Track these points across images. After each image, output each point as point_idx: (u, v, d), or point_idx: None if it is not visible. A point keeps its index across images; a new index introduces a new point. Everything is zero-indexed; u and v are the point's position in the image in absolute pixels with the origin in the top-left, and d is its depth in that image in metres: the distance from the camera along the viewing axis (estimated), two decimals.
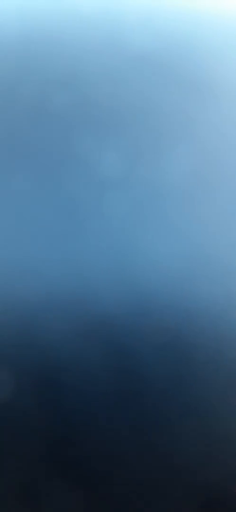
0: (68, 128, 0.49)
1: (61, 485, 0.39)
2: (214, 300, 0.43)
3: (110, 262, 0.43)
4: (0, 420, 0.40)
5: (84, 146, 0.48)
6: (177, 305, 0.42)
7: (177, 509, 0.39)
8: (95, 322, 0.42)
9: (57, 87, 0.52)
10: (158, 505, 0.39)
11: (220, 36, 0.57)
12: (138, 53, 0.54)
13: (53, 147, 0.48)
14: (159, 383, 0.41)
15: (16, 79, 0.52)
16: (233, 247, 0.45)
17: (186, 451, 0.40)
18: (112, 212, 0.45)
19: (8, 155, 0.48)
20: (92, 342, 0.41)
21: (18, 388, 0.40)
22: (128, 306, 0.42)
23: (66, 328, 0.41)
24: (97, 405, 0.40)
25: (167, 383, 0.41)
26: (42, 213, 0.45)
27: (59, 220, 0.45)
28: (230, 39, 0.57)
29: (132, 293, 0.43)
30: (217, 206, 0.46)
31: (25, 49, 0.54)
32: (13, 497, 0.39)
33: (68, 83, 0.52)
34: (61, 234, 0.44)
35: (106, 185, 0.46)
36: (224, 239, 0.45)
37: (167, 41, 0.56)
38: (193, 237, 0.45)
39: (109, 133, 0.49)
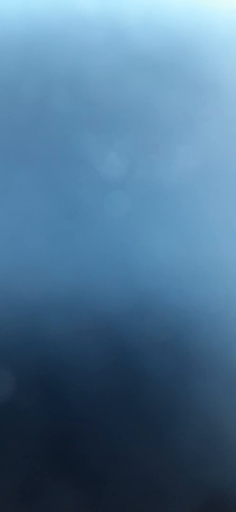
0: (70, 128, 0.49)
1: (62, 485, 0.39)
2: (215, 300, 0.43)
3: (111, 261, 0.43)
4: (0, 418, 0.40)
5: (86, 145, 0.48)
6: (178, 305, 0.42)
7: (178, 508, 0.39)
8: (96, 321, 0.42)
9: (59, 87, 0.52)
10: (158, 504, 0.39)
11: (222, 35, 0.57)
12: (140, 53, 0.54)
13: (55, 146, 0.48)
14: (160, 382, 0.41)
15: (18, 80, 0.52)
16: (234, 246, 0.45)
17: (186, 450, 0.40)
18: (114, 211, 0.45)
19: (9, 154, 0.48)
20: (93, 340, 0.41)
21: (18, 386, 0.40)
22: (129, 305, 0.42)
23: (66, 327, 0.41)
24: (98, 404, 0.40)
25: (168, 382, 0.41)
26: (43, 212, 0.45)
27: (60, 219, 0.45)
28: (232, 38, 0.57)
29: (133, 292, 0.43)
30: (219, 206, 0.46)
31: (27, 49, 0.55)
32: (13, 496, 0.39)
33: (70, 83, 0.52)
34: (62, 233, 0.44)
35: (108, 184, 0.46)
36: (225, 239, 0.45)
37: (169, 41, 0.56)
38: (194, 236, 0.45)
39: (111, 132, 0.49)
